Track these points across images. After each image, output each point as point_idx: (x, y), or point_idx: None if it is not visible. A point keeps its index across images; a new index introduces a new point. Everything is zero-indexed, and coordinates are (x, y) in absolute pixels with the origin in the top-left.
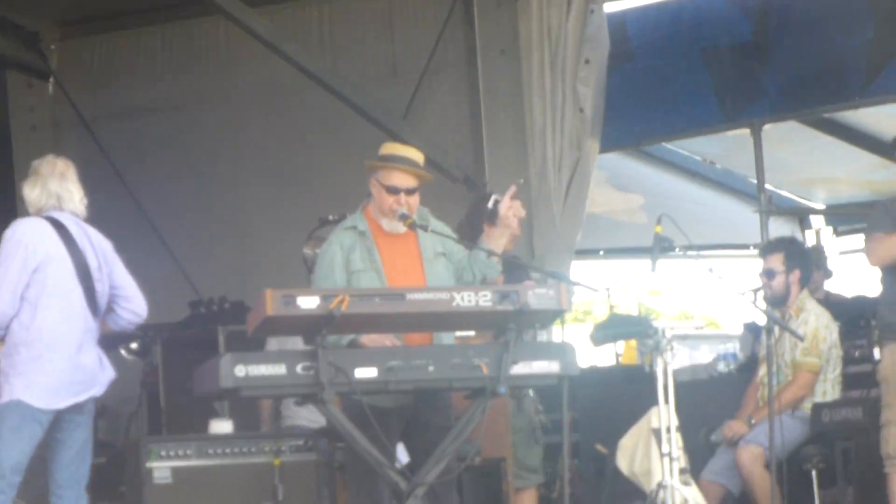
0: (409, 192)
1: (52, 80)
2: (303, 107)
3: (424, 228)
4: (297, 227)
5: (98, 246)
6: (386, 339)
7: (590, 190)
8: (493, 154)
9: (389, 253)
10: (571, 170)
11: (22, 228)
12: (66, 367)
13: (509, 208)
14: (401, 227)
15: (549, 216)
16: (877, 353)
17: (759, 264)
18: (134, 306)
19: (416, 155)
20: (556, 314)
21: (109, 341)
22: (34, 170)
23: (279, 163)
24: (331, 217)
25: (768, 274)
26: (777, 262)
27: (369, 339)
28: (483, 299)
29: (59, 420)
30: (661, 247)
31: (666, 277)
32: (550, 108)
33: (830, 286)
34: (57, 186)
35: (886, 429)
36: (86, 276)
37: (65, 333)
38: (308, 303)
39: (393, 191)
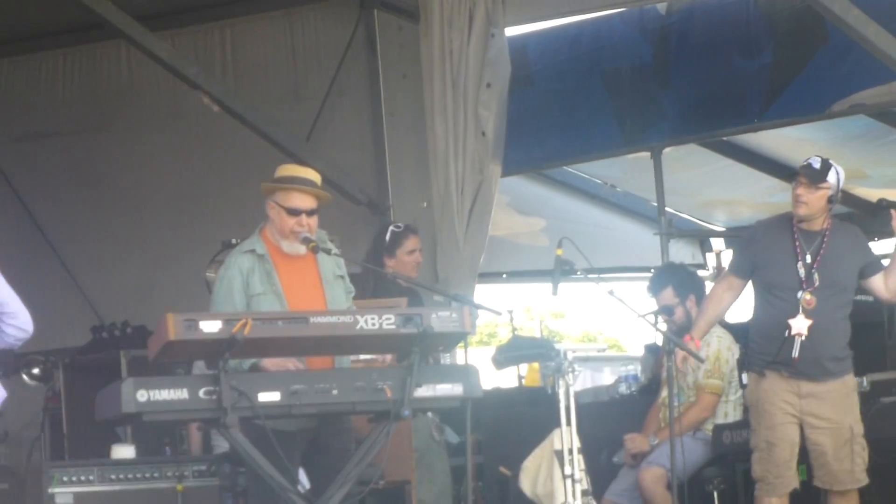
0: (310, 213)
1: None
2: (205, 130)
3: (328, 252)
4: (200, 250)
5: None
6: (289, 363)
7: (492, 213)
8: (397, 177)
9: (289, 276)
10: (474, 193)
11: None
12: None
13: None
14: (301, 249)
15: (452, 239)
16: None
17: (653, 304)
18: (19, 322)
19: (314, 175)
20: (459, 337)
21: (10, 366)
22: None
23: (181, 186)
24: (234, 241)
25: (667, 311)
26: (668, 297)
27: (272, 363)
28: (387, 322)
29: None
30: (561, 270)
31: (569, 300)
32: (453, 132)
33: None
34: None
35: (755, 453)
36: None
37: None
38: (210, 327)
39: (293, 212)
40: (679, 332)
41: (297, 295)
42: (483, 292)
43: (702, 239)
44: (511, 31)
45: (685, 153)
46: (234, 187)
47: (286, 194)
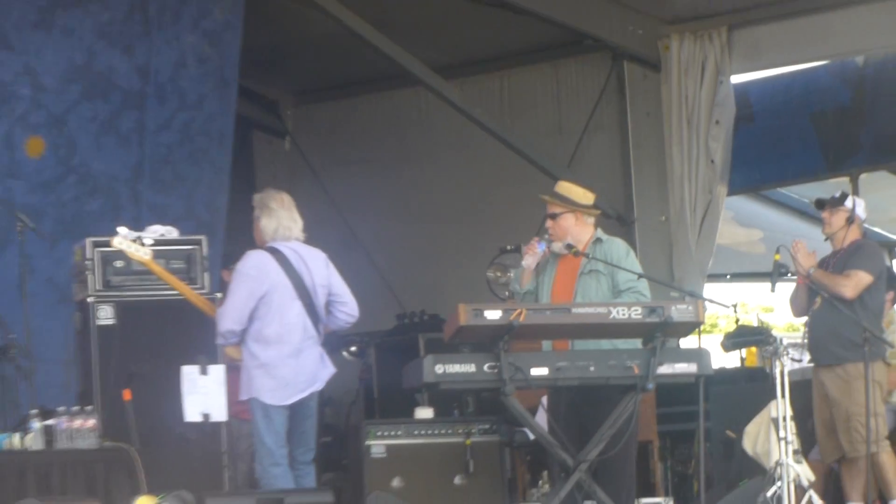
0: (551, 216)
1: (288, 138)
2: (486, 158)
3: (577, 254)
4: (480, 254)
5: (314, 265)
6: None
7: (719, 225)
8: (641, 196)
9: (562, 270)
10: (704, 210)
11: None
12: (288, 371)
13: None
14: (557, 248)
15: (685, 246)
16: None
17: None
18: (348, 309)
19: (566, 189)
20: (694, 326)
21: (334, 345)
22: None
23: (466, 202)
24: (508, 247)
25: None
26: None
27: None
28: (634, 313)
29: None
30: (779, 272)
31: (778, 297)
32: (687, 160)
33: None
34: (286, 218)
35: None
36: (304, 294)
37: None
38: (493, 315)
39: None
40: None
41: (559, 285)
42: (710, 290)
43: (890, 248)
44: (736, 79)
45: (878, 178)
46: (508, 205)
47: None
